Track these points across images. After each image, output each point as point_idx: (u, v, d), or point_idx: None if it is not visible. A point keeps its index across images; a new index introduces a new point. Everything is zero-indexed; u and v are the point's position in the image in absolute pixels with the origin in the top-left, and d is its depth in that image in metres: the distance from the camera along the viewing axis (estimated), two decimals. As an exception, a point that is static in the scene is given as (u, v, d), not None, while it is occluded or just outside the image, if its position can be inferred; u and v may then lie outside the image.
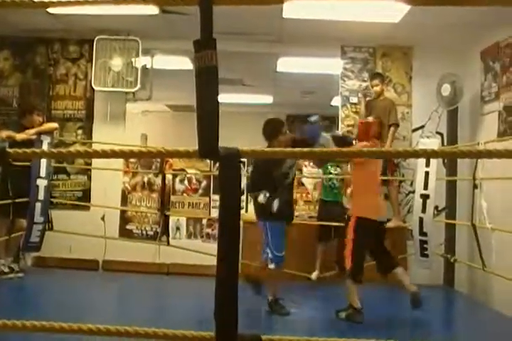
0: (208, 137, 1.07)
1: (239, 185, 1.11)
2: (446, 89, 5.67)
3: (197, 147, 1.13)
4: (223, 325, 1.13)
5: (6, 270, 5.31)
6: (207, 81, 1.09)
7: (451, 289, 5.73)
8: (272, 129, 4.53)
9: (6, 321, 1.14)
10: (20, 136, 5.25)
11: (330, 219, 5.59)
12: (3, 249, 5.40)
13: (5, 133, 5.23)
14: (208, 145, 1.07)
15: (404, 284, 4.26)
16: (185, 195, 6.30)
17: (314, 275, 5.63)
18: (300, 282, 5.49)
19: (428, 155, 1.30)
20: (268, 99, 9.26)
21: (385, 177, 5.59)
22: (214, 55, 1.08)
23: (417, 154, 1.30)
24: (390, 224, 5.62)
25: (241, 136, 5.74)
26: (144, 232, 6.24)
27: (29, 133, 5.36)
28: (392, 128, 5.71)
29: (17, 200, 5.24)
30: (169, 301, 5.09)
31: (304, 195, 6.56)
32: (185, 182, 6.31)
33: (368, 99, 5.92)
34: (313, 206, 6.39)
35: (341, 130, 6.31)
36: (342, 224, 5.57)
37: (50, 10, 5.42)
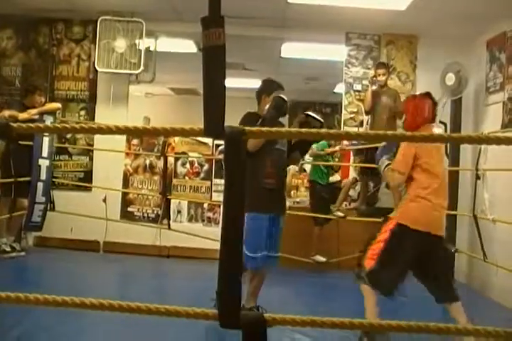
0: (214, 116, 1.07)
1: (244, 165, 1.11)
2: (450, 79, 5.64)
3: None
4: (226, 302, 1.14)
5: (8, 249, 5.35)
6: (214, 60, 1.09)
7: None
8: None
9: (9, 293, 1.15)
10: (22, 116, 5.25)
11: (326, 201, 5.71)
12: (4, 228, 5.43)
13: (7, 113, 5.23)
14: (214, 124, 1.07)
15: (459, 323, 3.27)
16: (186, 178, 6.32)
17: (318, 257, 5.66)
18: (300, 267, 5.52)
19: (435, 139, 1.30)
20: (271, 84, 9.22)
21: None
22: (222, 33, 1.08)
23: (425, 138, 1.30)
24: (391, 215, 5.64)
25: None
26: (145, 215, 6.26)
27: (31, 113, 5.36)
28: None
29: (19, 180, 5.26)
30: (170, 283, 5.13)
31: (305, 181, 6.58)
32: (187, 165, 6.32)
33: (373, 87, 5.87)
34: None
35: (344, 117, 6.31)
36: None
37: (55, -11, 5.40)
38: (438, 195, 3.32)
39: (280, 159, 3.67)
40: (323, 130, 1.22)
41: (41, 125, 1.20)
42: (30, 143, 5.30)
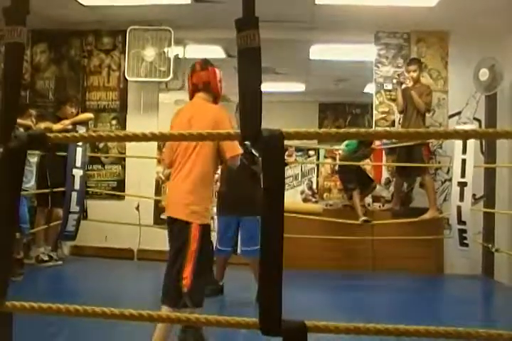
0: (251, 119, 1.05)
1: (283, 168, 1.08)
2: (484, 74, 5.51)
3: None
4: (267, 310, 1.11)
5: (46, 258, 5.43)
6: (249, 62, 1.06)
7: (491, 279, 5.62)
8: None
9: (51, 305, 1.15)
10: (56, 127, 5.34)
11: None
12: (42, 237, 5.52)
13: (42, 125, 5.32)
14: (251, 128, 1.04)
15: None
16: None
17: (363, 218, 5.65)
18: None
19: (469, 136, 1.25)
20: (300, 87, 9.17)
21: (420, 165, 5.50)
22: (256, 35, 1.05)
23: (455, 135, 1.25)
24: (425, 216, 5.53)
25: (273, 125, 5.68)
26: (179, 221, 6.27)
27: (65, 124, 5.45)
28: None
29: (55, 190, 5.34)
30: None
31: (338, 183, 6.50)
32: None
33: (403, 86, 5.77)
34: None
35: (375, 117, 6.22)
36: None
37: (84, 2, 5.48)
38: (174, 174, 2.97)
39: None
40: (342, 130, 1.19)
41: (76, 134, 1.19)
42: (65, 153, 5.38)
